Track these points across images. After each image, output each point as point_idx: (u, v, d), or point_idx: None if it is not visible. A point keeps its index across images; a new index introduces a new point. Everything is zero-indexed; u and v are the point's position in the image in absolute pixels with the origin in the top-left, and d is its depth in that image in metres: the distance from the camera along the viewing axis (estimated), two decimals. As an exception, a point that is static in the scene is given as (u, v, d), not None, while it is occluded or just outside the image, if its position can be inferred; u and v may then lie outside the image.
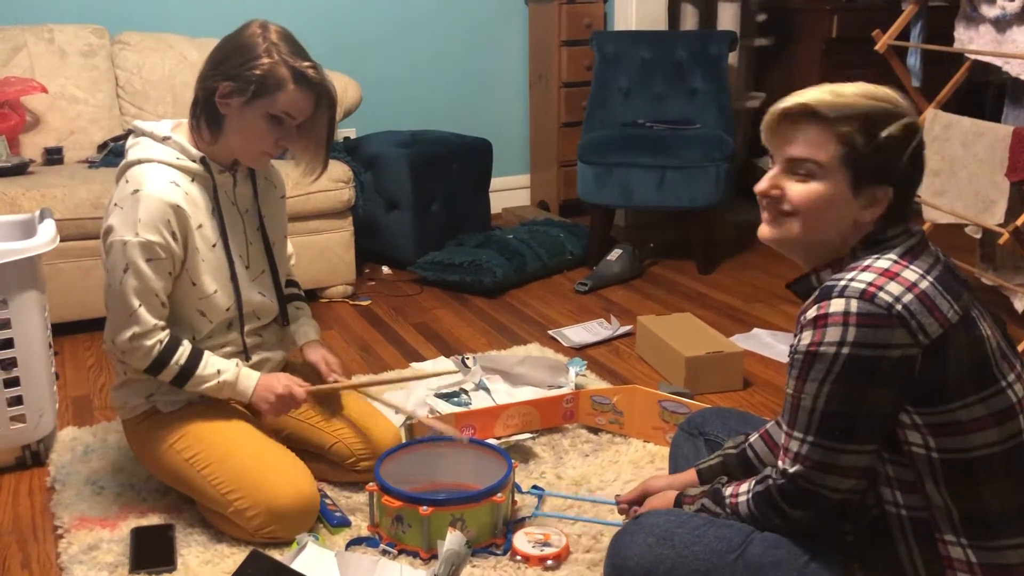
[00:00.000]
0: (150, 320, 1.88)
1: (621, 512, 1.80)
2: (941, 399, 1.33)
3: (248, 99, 1.85)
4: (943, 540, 1.36)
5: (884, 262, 1.38)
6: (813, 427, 1.38)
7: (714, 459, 1.71)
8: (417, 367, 2.82)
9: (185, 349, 1.92)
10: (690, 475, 1.72)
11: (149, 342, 1.89)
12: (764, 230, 1.48)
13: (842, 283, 1.36)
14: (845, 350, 1.33)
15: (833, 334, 1.34)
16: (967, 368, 1.33)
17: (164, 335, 1.90)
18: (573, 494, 2.09)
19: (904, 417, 1.35)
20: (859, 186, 1.40)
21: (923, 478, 1.36)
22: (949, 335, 1.33)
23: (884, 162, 1.39)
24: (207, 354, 1.95)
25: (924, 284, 1.35)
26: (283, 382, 1.99)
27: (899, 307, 1.32)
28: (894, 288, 1.33)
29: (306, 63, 1.87)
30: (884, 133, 1.38)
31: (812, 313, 1.37)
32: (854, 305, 1.33)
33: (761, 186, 1.46)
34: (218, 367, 1.94)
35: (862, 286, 1.34)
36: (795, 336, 1.41)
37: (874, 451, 1.38)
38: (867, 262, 1.38)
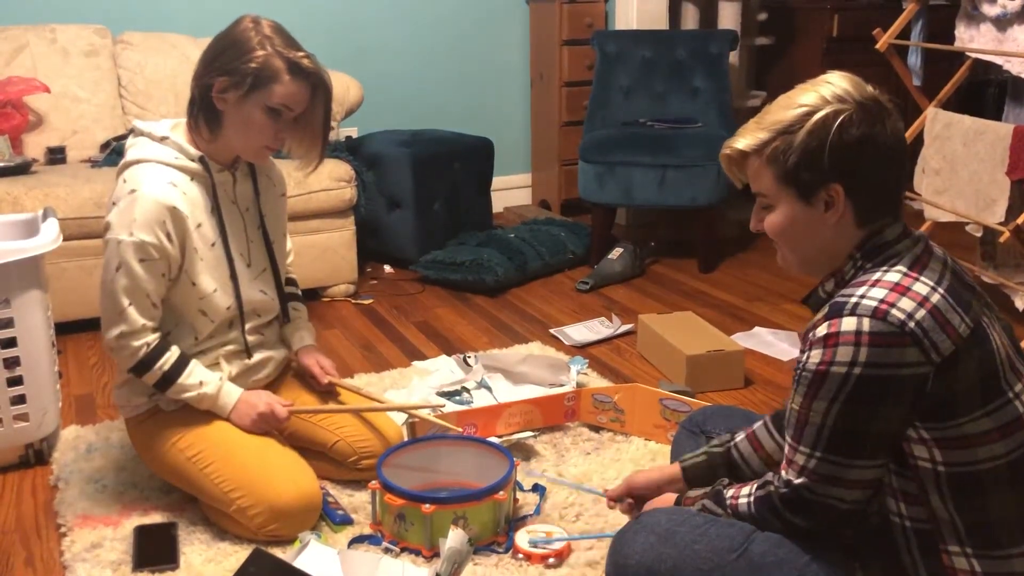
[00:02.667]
0: (138, 320, 1.89)
1: (611, 507, 1.81)
2: (950, 414, 1.31)
3: (245, 93, 1.86)
4: (947, 551, 1.35)
5: (894, 275, 1.35)
6: (821, 444, 1.36)
7: (699, 455, 1.71)
8: (419, 366, 2.83)
9: (172, 355, 1.92)
10: (674, 469, 1.71)
11: (136, 343, 1.89)
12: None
13: (853, 300, 1.33)
14: (857, 370, 1.31)
15: (844, 354, 1.31)
16: (976, 382, 1.31)
17: (153, 338, 1.91)
18: (571, 483, 2.10)
19: (911, 431, 1.33)
20: (806, 195, 1.39)
21: (928, 491, 1.34)
22: (960, 351, 1.30)
23: (811, 162, 1.37)
24: (193, 363, 1.95)
25: (935, 298, 1.32)
26: (264, 400, 1.98)
27: (912, 324, 1.29)
28: (906, 304, 1.31)
29: (300, 53, 1.88)
30: (799, 136, 1.37)
31: (822, 331, 1.34)
32: (866, 324, 1.30)
33: (751, 225, 1.50)
34: (201, 378, 1.94)
35: (874, 303, 1.31)
36: (802, 352, 1.39)
37: (882, 465, 1.37)
38: (876, 275, 1.36)
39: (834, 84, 1.39)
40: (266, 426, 1.99)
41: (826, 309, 1.37)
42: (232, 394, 1.98)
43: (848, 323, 1.32)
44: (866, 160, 1.37)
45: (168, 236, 1.87)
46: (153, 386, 1.95)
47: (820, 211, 1.40)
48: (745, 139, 1.43)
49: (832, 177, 1.37)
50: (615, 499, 1.77)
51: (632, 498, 1.75)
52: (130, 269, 1.86)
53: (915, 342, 1.29)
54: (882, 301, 1.32)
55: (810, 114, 1.37)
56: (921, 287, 1.33)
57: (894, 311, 1.30)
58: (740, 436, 1.69)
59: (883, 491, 1.40)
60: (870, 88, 1.40)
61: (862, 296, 1.33)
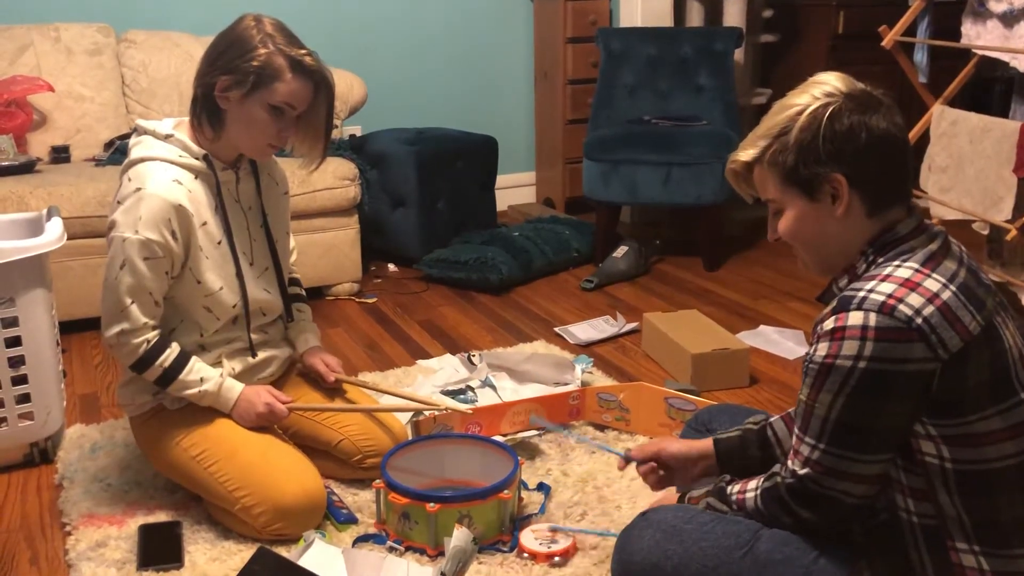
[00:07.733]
0: (140, 318, 1.89)
1: (627, 463, 1.75)
2: (958, 412, 1.30)
3: (247, 91, 1.86)
4: (955, 548, 1.35)
5: (905, 271, 1.34)
6: (826, 435, 1.36)
7: (733, 432, 1.68)
8: (423, 364, 2.82)
9: (172, 352, 1.92)
10: (706, 443, 1.68)
11: (136, 340, 1.89)
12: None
13: (861, 294, 1.33)
14: (862, 364, 1.30)
15: (850, 347, 1.31)
16: (986, 381, 1.31)
17: (153, 335, 1.91)
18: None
19: (918, 427, 1.33)
20: (810, 192, 1.40)
21: (936, 487, 1.34)
22: (970, 348, 1.30)
23: (808, 156, 1.38)
24: (194, 360, 1.95)
25: (946, 295, 1.31)
26: (264, 399, 1.98)
27: (919, 320, 1.29)
28: (915, 300, 1.30)
29: (302, 51, 1.88)
30: (792, 135, 1.39)
31: (829, 324, 1.34)
32: (873, 319, 1.30)
33: (768, 235, 1.51)
34: (202, 375, 1.95)
35: (882, 298, 1.31)
36: (811, 345, 1.39)
37: (888, 460, 1.36)
38: (887, 270, 1.35)
39: (823, 82, 1.41)
40: (265, 424, 2.00)
41: (835, 303, 1.37)
42: (233, 390, 1.98)
43: (855, 317, 1.32)
44: (862, 146, 1.37)
45: (173, 234, 1.87)
46: (154, 383, 1.95)
47: (827, 205, 1.40)
48: (746, 151, 1.45)
49: (832, 168, 1.38)
50: (640, 460, 1.71)
51: (659, 466, 1.70)
52: (134, 267, 1.86)
53: (922, 338, 1.29)
54: (890, 296, 1.31)
55: (801, 112, 1.39)
56: (932, 283, 1.33)
57: (901, 306, 1.30)
58: (775, 417, 1.68)
59: (891, 487, 1.40)
60: (860, 84, 1.41)
61: (870, 291, 1.33)
